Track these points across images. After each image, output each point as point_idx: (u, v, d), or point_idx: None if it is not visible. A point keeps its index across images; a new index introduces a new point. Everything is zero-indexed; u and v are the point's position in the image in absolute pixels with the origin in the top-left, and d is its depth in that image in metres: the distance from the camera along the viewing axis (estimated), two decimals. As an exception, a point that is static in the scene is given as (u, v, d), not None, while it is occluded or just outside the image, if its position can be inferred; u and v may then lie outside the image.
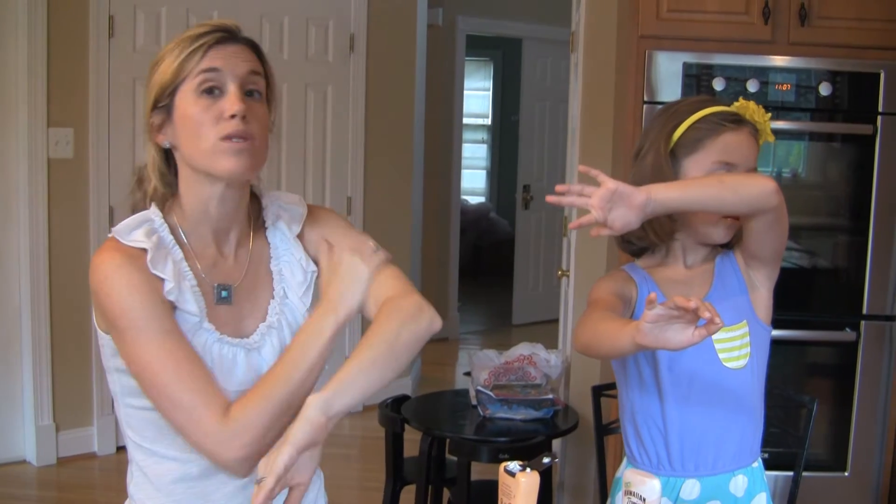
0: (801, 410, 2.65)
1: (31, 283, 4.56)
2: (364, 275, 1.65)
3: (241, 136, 1.63)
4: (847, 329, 3.28)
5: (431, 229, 7.27)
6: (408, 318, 1.64)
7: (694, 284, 2.03)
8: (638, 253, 2.12)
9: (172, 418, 1.55)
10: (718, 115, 1.96)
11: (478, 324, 8.50)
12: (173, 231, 1.69)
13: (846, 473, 3.33)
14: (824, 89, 3.20)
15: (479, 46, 9.48)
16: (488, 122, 11.57)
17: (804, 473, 2.52)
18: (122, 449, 4.42)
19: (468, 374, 3.73)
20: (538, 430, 3.40)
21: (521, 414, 3.45)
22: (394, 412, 3.49)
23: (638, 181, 1.94)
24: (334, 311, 1.62)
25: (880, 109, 3.19)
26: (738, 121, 1.96)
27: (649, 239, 2.02)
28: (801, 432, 2.55)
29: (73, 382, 4.63)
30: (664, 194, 1.73)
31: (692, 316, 1.55)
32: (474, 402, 3.55)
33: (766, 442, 2.16)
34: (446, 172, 7.62)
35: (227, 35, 1.66)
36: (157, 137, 1.68)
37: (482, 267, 10.32)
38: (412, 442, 3.47)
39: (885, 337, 3.27)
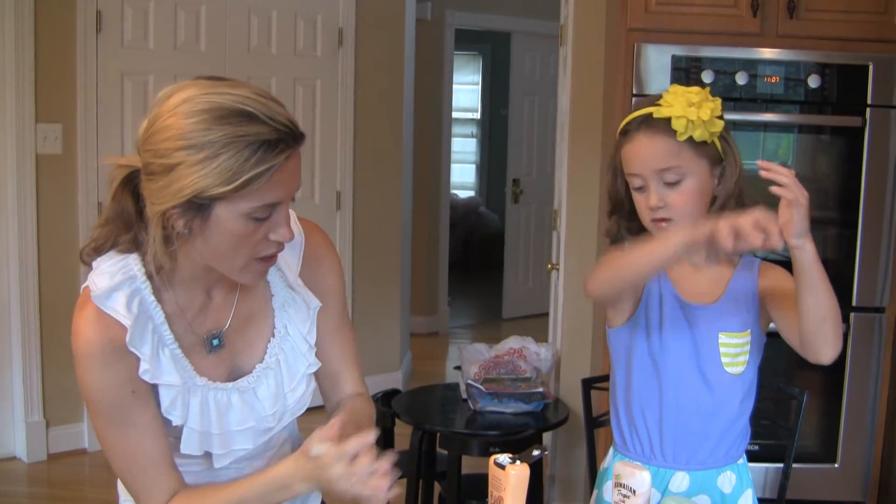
0: (792, 402, 2.66)
1: (20, 279, 4.54)
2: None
3: (276, 255, 1.61)
4: (836, 321, 3.28)
5: (421, 224, 7.25)
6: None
7: (704, 285, 2.01)
8: None
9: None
10: (624, 126, 1.96)
11: (468, 318, 8.49)
12: (157, 288, 1.59)
13: (836, 465, 3.35)
14: (813, 82, 3.20)
15: (468, 40, 9.47)
16: (477, 116, 11.55)
17: (794, 465, 2.53)
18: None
19: (458, 368, 3.73)
20: (528, 424, 3.40)
21: (511, 407, 3.45)
22: (384, 406, 3.49)
23: (609, 196, 2.03)
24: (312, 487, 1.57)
25: (869, 101, 3.20)
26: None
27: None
28: (791, 424, 2.55)
29: (63, 378, 4.62)
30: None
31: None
32: (464, 395, 3.55)
33: (757, 434, 2.17)
34: (435, 167, 7.61)
35: (293, 147, 1.50)
36: (176, 223, 1.49)
37: (472, 261, 10.31)
38: (403, 436, 3.47)
39: (875, 329, 3.28)
